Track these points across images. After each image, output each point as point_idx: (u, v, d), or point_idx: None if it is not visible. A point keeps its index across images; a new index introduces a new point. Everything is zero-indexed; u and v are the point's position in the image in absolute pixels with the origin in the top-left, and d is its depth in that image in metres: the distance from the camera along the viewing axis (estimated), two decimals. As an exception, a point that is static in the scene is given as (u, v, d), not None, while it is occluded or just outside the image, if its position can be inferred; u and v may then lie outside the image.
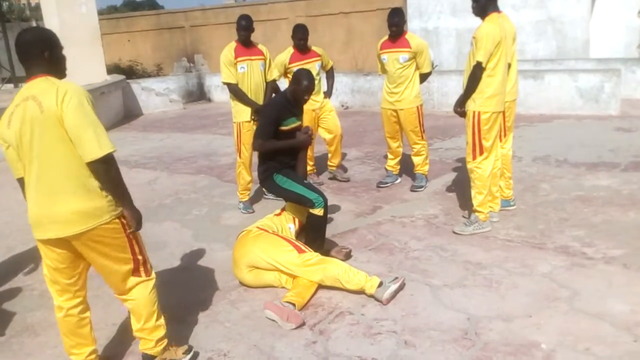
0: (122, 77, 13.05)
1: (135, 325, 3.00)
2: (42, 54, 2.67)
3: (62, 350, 3.33)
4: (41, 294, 4.13)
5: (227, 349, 3.26)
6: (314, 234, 4.25)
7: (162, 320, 3.05)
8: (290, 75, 5.98)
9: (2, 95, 10.48)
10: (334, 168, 6.51)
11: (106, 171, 2.64)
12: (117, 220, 2.76)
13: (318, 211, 4.18)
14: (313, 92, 5.94)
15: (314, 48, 6.17)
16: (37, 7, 12.84)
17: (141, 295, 2.93)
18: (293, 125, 4.43)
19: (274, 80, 5.89)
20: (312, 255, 3.82)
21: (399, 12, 5.73)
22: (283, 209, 4.36)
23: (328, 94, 6.37)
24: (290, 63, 5.98)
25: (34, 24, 13.52)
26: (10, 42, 11.60)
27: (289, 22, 14.99)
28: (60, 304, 2.91)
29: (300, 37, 5.97)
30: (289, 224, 4.24)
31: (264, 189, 5.87)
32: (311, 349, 3.20)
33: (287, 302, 3.55)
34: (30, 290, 4.21)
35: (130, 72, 15.40)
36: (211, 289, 4.01)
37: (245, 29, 5.51)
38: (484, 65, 4.38)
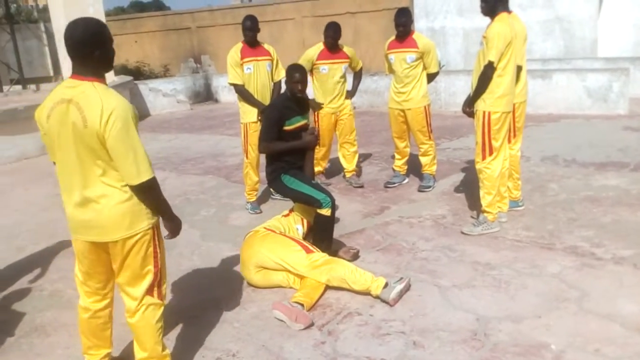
0: (129, 78, 13.10)
1: (139, 353, 2.88)
2: (92, 53, 2.57)
3: (72, 351, 3.37)
4: (51, 295, 4.15)
5: (235, 349, 3.27)
6: (321, 234, 4.25)
7: (167, 351, 2.97)
8: (315, 72, 5.98)
9: (12, 97, 10.55)
10: (349, 174, 6.39)
11: (145, 195, 2.64)
12: (151, 231, 2.75)
13: (325, 211, 4.19)
14: (334, 95, 5.98)
15: (345, 49, 6.05)
16: (45, 9, 12.88)
17: (147, 318, 2.82)
18: (298, 124, 4.41)
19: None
20: (319, 256, 3.82)
21: (405, 12, 5.71)
22: (291, 210, 4.36)
23: (351, 94, 6.27)
24: (317, 60, 5.92)
25: (42, 25, 13.56)
26: (19, 43, 11.69)
27: (295, 22, 15.02)
28: (87, 305, 2.91)
29: (331, 35, 5.86)
30: (297, 225, 4.24)
31: (271, 190, 5.87)
32: (320, 350, 3.20)
33: (296, 302, 3.56)
34: (40, 290, 4.23)
35: (138, 73, 15.45)
36: (219, 289, 4.02)
37: (250, 30, 5.51)
38: (495, 65, 4.36)
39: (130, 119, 2.54)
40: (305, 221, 4.27)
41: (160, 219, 2.82)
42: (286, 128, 4.33)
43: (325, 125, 6.07)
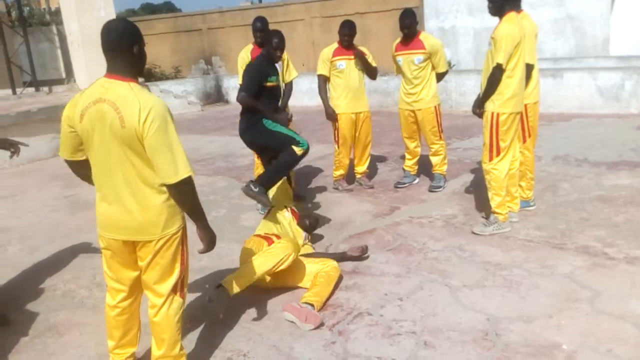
0: (141, 79, 13.18)
1: (156, 352, 2.90)
2: (132, 47, 2.62)
3: (85, 350, 3.40)
4: (64, 295, 4.19)
5: (246, 350, 3.28)
6: (279, 167, 4.64)
7: (184, 351, 2.99)
8: (333, 70, 5.91)
9: (25, 99, 10.65)
10: (359, 175, 6.36)
11: (181, 194, 2.64)
12: (181, 232, 2.76)
13: (299, 150, 4.55)
14: (354, 91, 5.91)
15: (361, 48, 5.96)
16: (57, 12, 12.98)
17: (170, 316, 2.83)
18: (275, 83, 4.93)
19: (317, 72, 5.97)
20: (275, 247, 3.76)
21: (409, 14, 5.66)
22: (268, 211, 4.42)
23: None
24: (333, 56, 5.85)
25: (54, 28, 13.67)
26: (31, 46, 11.78)
27: (305, 23, 15.04)
28: (114, 303, 2.93)
29: (346, 34, 5.81)
30: (284, 213, 4.35)
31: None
32: (330, 350, 3.21)
33: (306, 302, 3.56)
34: (53, 290, 4.27)
35: (149, 75, 15.53)
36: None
37: (260, 31, 5.53)
38: (504, 67, 4.33)
39: (168, 117, 2.56)
40: (288, 208, 4.40)
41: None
42: (267, 84, 4.85)
43: (346, 125, 5.96)
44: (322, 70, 5.92)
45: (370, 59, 5.93)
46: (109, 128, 2.55)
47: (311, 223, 4.48)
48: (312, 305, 3.54)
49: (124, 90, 2.56)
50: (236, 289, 3.55)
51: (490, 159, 4.54)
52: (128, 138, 2.53)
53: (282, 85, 5.65)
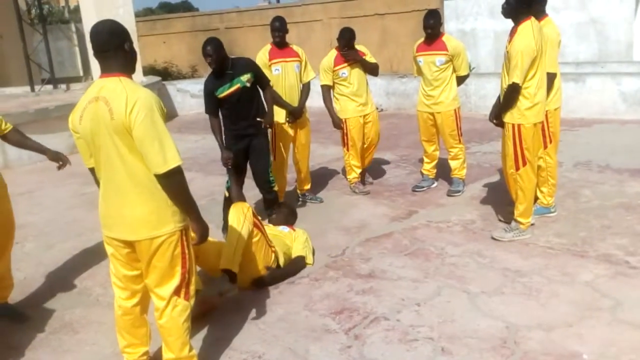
0: (157, 78, 13.22)
1: (167, 354, 2.91)
2: (123, 45, 2.66)
3: (100, 348, 3.41)
4: (79, 292, 4.20)
5: (262, 351, 3.26)
6: None
7: (194, 352, 2.98)
8: (336, 80, 5.87)
9: (44, 97, 10.74)
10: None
11: (170, 185, 2.62)
12: (179, 233, 2.75)
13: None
14: (362, 94, 5.90)
15: (358, 47, 5.88)
16: (76, 10, 13.07)
17: (175, 319, 2.83)
18: (229, 90, 4.79)
19: (320, 83, 5.88)
20: None
21: (434, 14, 5.62)
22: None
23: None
24: (335, 66, 5.82)
25: (72, 26, 13.78)
26: (50, 44, 11.86)
27: (323, 23, 15.01)
28: (120, 302, 2.93)
29: (343, 45, 5.75)
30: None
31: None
32: (346, 354, 3.17)
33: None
34: (69, 288, 4.28)
35: (166, 74, 15.60)
36: (245, 290, 4.00)
37: (279, 31, 5.51)
38: (520, 85, 4.21)
39: (154, 108, 2.57)
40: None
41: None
42: (220, 96, 4.80)
43: (354, 128, 5.95)
44: (325, 80, 5.90)
45: (368, 57, 5.90)
46: (102, 123, 2.58)
47: (284, 213, 4.71)
48: None
49: (113, 84, 2.60)
50: (235, 265, 3.74)
51: (517, 168, 4.43)
52: (117, 130, 2.55)
53: (300, 86, 5.62)
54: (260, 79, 4.97)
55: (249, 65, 4.92)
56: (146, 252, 2.71)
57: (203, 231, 2.80)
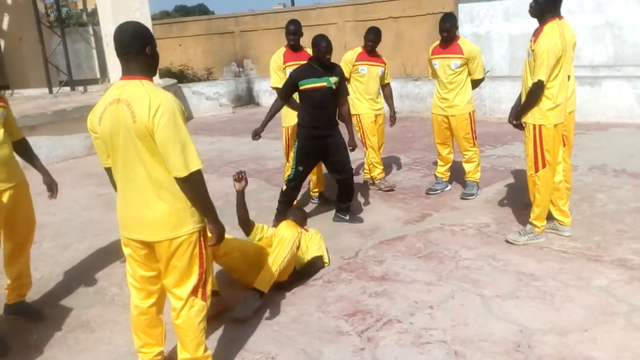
0: (173, 81, 13.33)
1: (182, 354, 2.93)
2: (145, 48, 2.67)
3: (115, 347, 3.44)
4: (95, 292, 4.25)
5: (275, 352, 3.27)
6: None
7: (209, 352, 3.00)
8: (354, 74, 6.07)
9: (61, 98, 10.87)
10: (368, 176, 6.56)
11: (191, 188, 2.64)
12: (197, 233, 2.77)
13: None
14: (373, 95, 6.10)
15: (381, 55, 6.21)
16: (93, 13, 13.23)
17: (191, 319, 2.85)
18: (312, 85, 4.90)
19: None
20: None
21: (450, 18, 5.64)
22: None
23: (391, 116, 6.35)
24: (356, 61, 6.04)
25: (90, 29, 13.94)
26: (68, 46, 12.01)
27: (338, 27, 15.01)
28: (137, 303, 2.97)
29: (371, 39, 6.01)
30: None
31: (311, 194, 5.97)
32: (359, 356, 3.18)
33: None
34: (86, 287, 4.33)
35: (181, 77, 15.69)
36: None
37: (294, 34, 5.55)
38: (545, 83, 4.21)
39: (177, 112, 2.59)
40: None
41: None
42: (302, 87, 4.91)
43: (368, 124, 6.14)
44: (345, 72, 5.96)
45: (386, 72, 6.25)
46: (123, 125, 2.60)
47: (300, 215, 4.65)
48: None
49: (135, 87, 2.62)
50: (268, 286, 3.73)
51: (536, 170, 4.41)
52: (139, 133, 2.56)
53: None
54: (343, 87, 5.17)
55: (340, 73, 5.11)
56: (165, 253, 2.74)
57: (220, 232, 2.83)
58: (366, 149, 6.21)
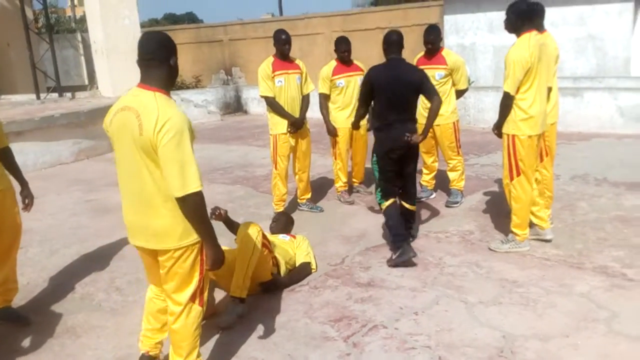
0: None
1: (174, 358, 2.92)
2: (169, 59, 2.68)
3: (101, 353, 3.45)
4: (82, 297, 4.24)
5: (261, 358, 3.30)
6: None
7: (201, 358, 3.01)
8: (332, 88, 6.07)
9: (49, 104, 10.82)
10: (356, 183, 6.61)
11: (187, 209, 2.63)
12: (199, 243, 2.77)
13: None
14: (352, 107, 6.03)
15: (356, 62, 6.15)
16: (82, 20, 13.20)
17: (188, 324, 2.85)
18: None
19: (318, 90, 6.00)
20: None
21: (434, 30, 5.72)
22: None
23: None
24: (333, 75, 6.00)
25: (79, 35, 13.90)
26: (56, 53, 11.97)
27: (325, 37, 15.12)
28: (148, 295, 3.10)
29: (344, 50, 5.98)
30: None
31: (298, 202, 6.01)
32: (345, 361, 3.22)
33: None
34: (72, 293, 4.32)
35: (170, 84, 15.69)
36: (250, 295, 4.04)
37: (288, 43, 5.59)
38: (512, 94, 4.28)
39: (185, 131, 2.56)
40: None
41: None
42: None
43: (342, 139, 6.14)
44: (323, 89, 6.08)
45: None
46: (130, 135, 2.60)
47: (283, 222, 4.78)
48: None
49: (148, 99, 2.61)
50: (243, 291, 3.74)
51: (511, 179, 4.48)
52: (145, 146, 2.56)
53: (300, 97, 5.71)
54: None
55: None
56: (168, 260, 2.75)
57: (215, 258, 2.77)
58: (335, 159, 6.23)
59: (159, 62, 2.65)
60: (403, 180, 4.72)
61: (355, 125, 5.22)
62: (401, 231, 4.55)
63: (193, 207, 2.62)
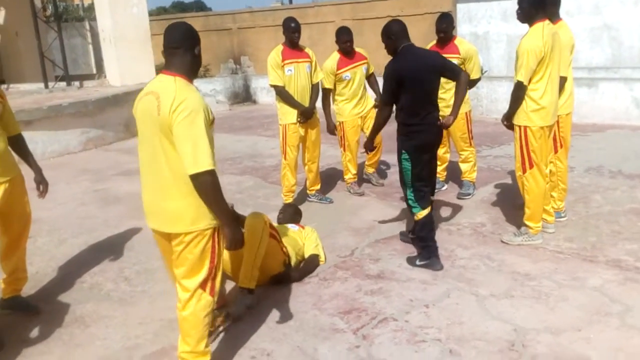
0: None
1: (182, 347, 2.92)
2: (194, 48, 2.79)
3: (110, 342, 3.45)
4: (90, 287, 4.25)
5: (270, 349, 3.28)
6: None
7: (209, 348, 3.01)
8: (338, 82, 5.96)
9: (57, 93, 10.83)
10: (371, 171, 6.52)
11: (200, 186, 2.65)
12: (212, 229, 2.79)
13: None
14: (358, 98, 6.00)
15: (358, 50, 6.04)
16: (90, 8, 13.14)
17: (197, 312, 2.85)
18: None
19: (321, 85, 5.89)
20: None
21: (447, 18, 5.62)
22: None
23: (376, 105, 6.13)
24: (338, 69, 5.90)
25: (87, 24, 13.86)
26: (64, 41, 11.94)
27: (335, 25, 14.91)
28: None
29: (346, 40, 5.84)
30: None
31: (308, 192, 5.95)
32: (354, 353, 3.19)
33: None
34: (81, 282, 4.33)
35: (178, 73, 15.66)
36: (260, 286, 4.02)
37: (298, 31, 5.53)
38: (525, 84, 4.21)
39: (200, 111, 2.63)
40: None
41: None
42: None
43: (352, 129, 6.05)
44: (328, 83, 5.96)
45: (369, 65, 6.13)
46: (150, 117, 2.69)
47: (290, 213, 4.79)
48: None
49: (168, 82, 2.71)
50: (252, 282, 3.72)
51: (524, 171, 4.42)
52: (162, 126, 2.63)
53: (310, 86, 5.65)
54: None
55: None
56: (179, 244, 2.78)
57: (232, 237, 2.80)
58: (344, 150, 6.14)
59: (183, 50, 2.77)
60: (431, 173, 4.48)
61: (371, 146, 4.68)
62: (433, 242, 4.29)
63: (205, 186, 2.65)
